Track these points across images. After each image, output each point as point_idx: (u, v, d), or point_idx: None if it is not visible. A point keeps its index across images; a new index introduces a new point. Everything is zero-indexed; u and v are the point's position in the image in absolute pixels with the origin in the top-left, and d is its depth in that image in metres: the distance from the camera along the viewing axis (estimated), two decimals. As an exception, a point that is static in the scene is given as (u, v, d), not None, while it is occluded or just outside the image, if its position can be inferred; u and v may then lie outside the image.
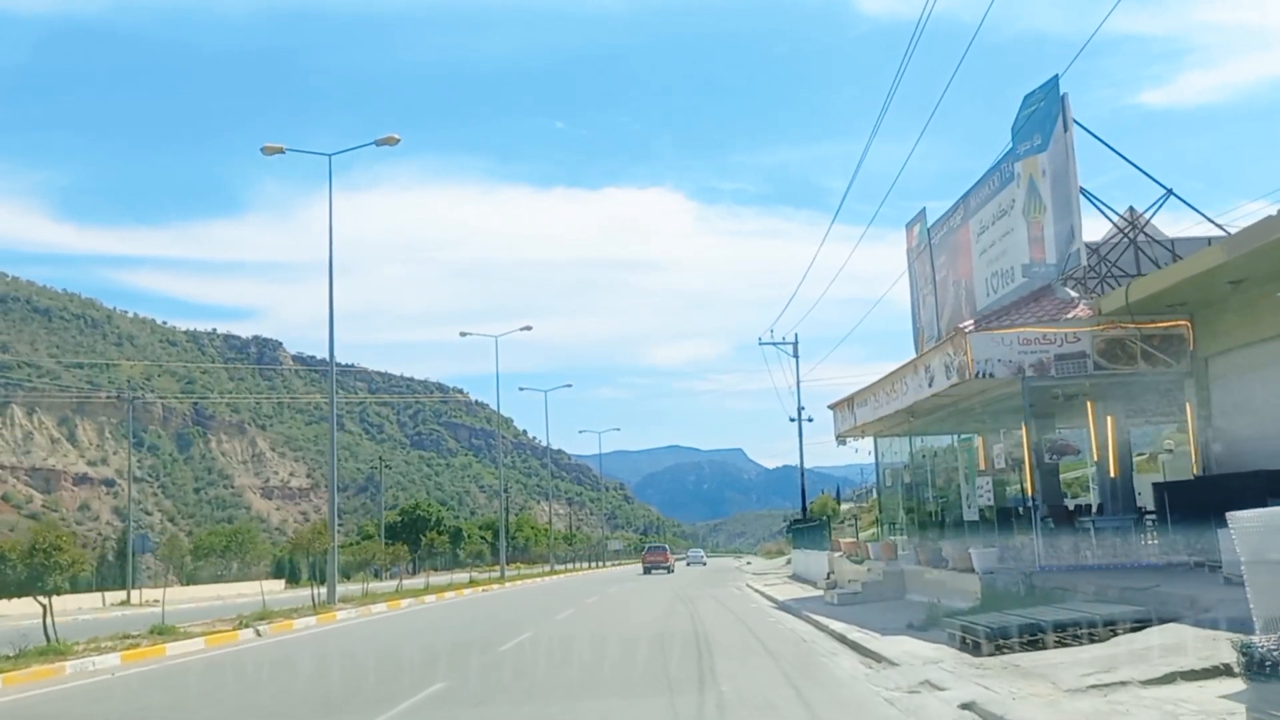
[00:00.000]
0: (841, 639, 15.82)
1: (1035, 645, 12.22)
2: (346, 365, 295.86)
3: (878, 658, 13.14)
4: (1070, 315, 17.98)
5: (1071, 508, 19.51)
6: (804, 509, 48.67)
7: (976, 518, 20.22)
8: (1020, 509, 20.38)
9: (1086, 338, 17.44)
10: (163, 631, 19.31)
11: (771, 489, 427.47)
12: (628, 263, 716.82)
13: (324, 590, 29.74)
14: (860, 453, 28.79)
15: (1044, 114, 19.64)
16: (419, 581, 45.01)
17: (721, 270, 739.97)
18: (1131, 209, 20.39)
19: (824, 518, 40.27)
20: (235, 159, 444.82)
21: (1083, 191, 19.00)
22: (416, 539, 77.31)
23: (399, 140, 30.32)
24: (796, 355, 46.78)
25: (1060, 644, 12.12)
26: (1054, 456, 17.98)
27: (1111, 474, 20.37)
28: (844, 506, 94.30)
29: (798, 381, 47.31)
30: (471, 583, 46.06)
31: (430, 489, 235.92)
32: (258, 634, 20.49)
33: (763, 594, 30.56)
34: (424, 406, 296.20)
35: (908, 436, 25.70)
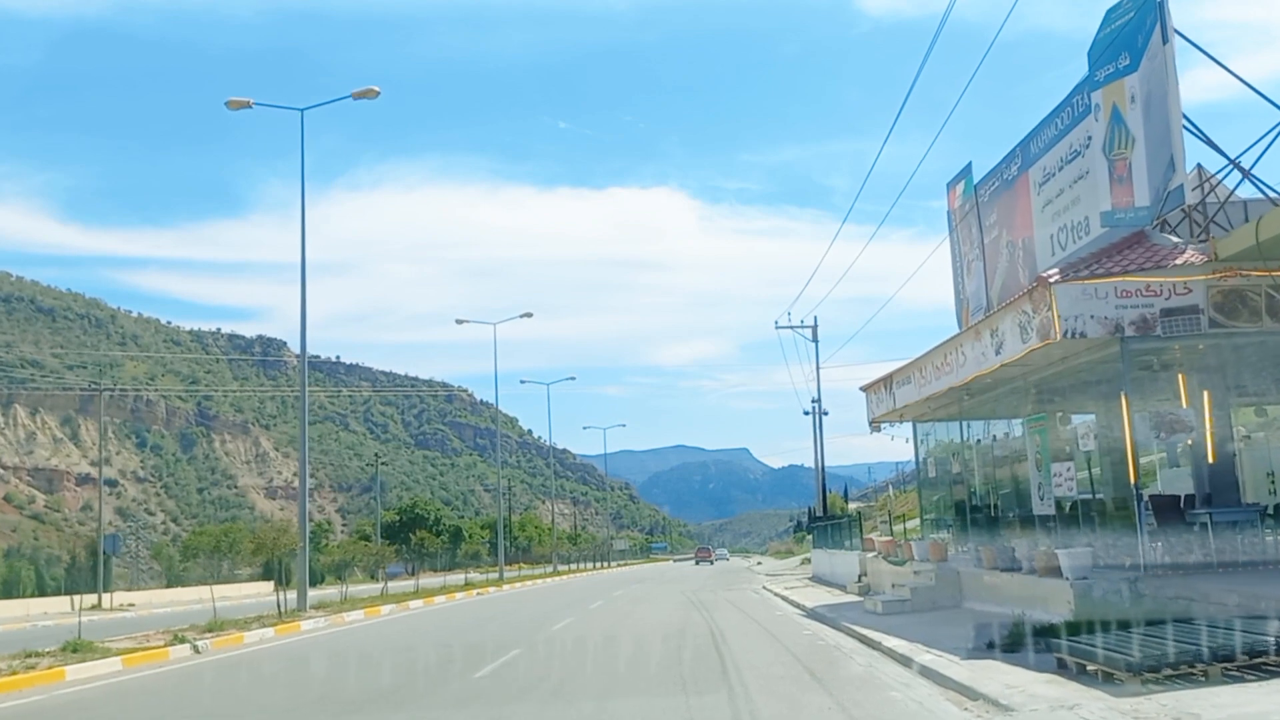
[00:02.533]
0: (906, 662, 12.57)
1: (1191, 679, 9.01)
2: (350, 364, 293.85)
3: (971, 693, 9.89)
4: (1178, 262, 14.71)
5: (1180, 498, 16.22)
6: (824, 505, 45.40)
7: (1051, 511, 16.96)
8: (1104, 501, 17.16)
9: (1200, 288, 14.18)
10: (77, 649, 16.09)
11: (777, 489, 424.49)
12: (633, 262, 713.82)
13: (298, 595, 26.58)
14: (896, 440, 25.51)
15: (1134, 27, 16.34)
16: (414, 584, 41.73)
17: (726, 269, 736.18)
18: (1200, 167, 17.20)
19: (855, 514, 37.01)
20: (241, 159, 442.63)
21: (1186, 121, 15.72)
22: (411, 539, 74.26)
23: (378, 93, 27.12)
24: (816, 340, 43.53)
25: (1229, 676, 8.92)
26: (1162, 436, 14.75)
27: (1210, 459, 17.07)
28: (851, 506, 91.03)
29: (817, 367, 44.08)
30: (467, 585, 42.85)
31: (434, 489, 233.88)
32: (195, 650, 17.26)
33: (785, 599, 27.31)
34: (428, 406, 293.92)
35: (959, 420, 22.38)
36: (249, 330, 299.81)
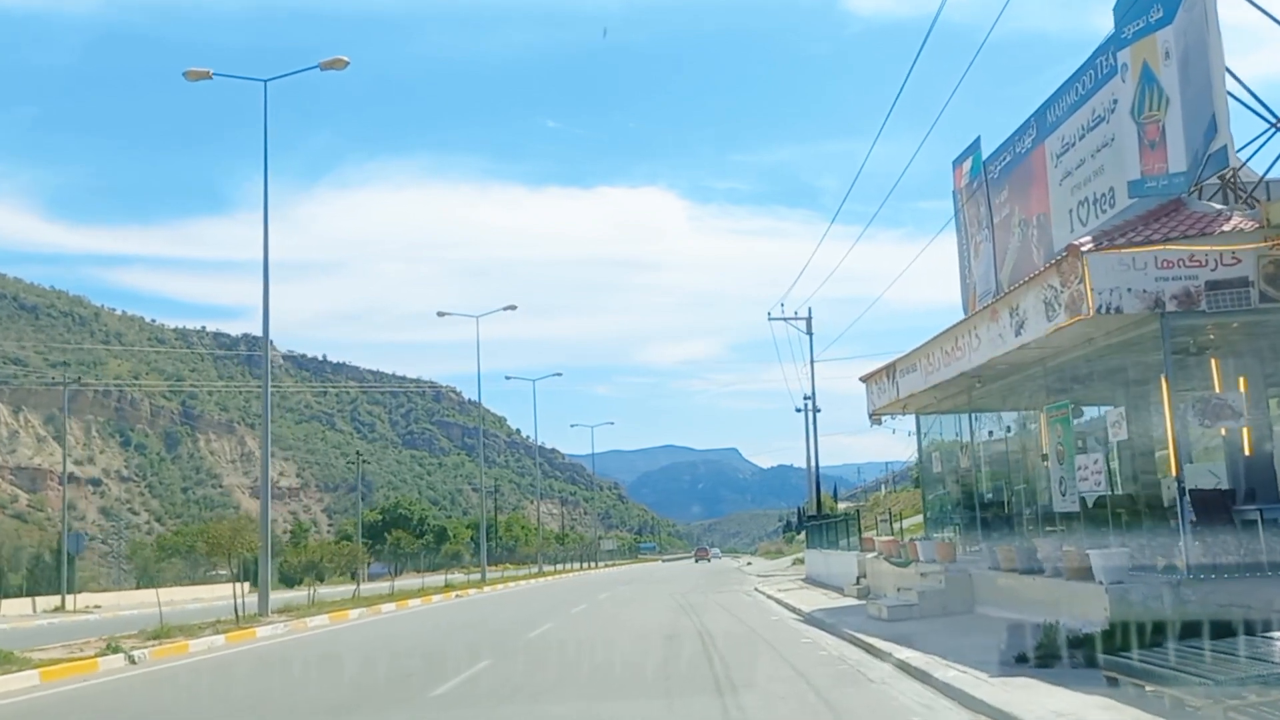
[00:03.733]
0: (924, 678, 11.03)
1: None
2: (338, 363, 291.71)
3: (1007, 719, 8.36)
4: (1225, 229, 13.19)
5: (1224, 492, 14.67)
6: (818, 503, 43.90)
7: (1074, 508, 15.43)
8: (1133, 496, 15.66)
9: (1250, 259, 12.63)
10: (-7, 660, 14.43)
11: (766, 489, 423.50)
12: (623, 262, 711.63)
13: (259, 598, 24.94)
14: (899, 433, 23.97)
15: (1169, -25, 14.85)
16: (390, 586, 40.05)
17: (716, 269, 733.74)
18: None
19: (854, 512, 35.50)
20: (228, 158, 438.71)
21: (1230, 77, 14.22)
22: (387, 539, 72.63)
23: (346, 63, 25.45)
24: (810, 332, 41.95)
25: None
26: (1208, 423, 13.25)
27: (1246, 451, 15.54)
28: (841, 506, 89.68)
29: (811, 360, 42.54)
30: (446, 587, 41.19)
31: (422, 489, 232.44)
32: (130, 661, 15.60)
33: (779, 601, 25.79)
34: (416, 405, 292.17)
35: (968, 413, 20.83)
36: (234, 329, 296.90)
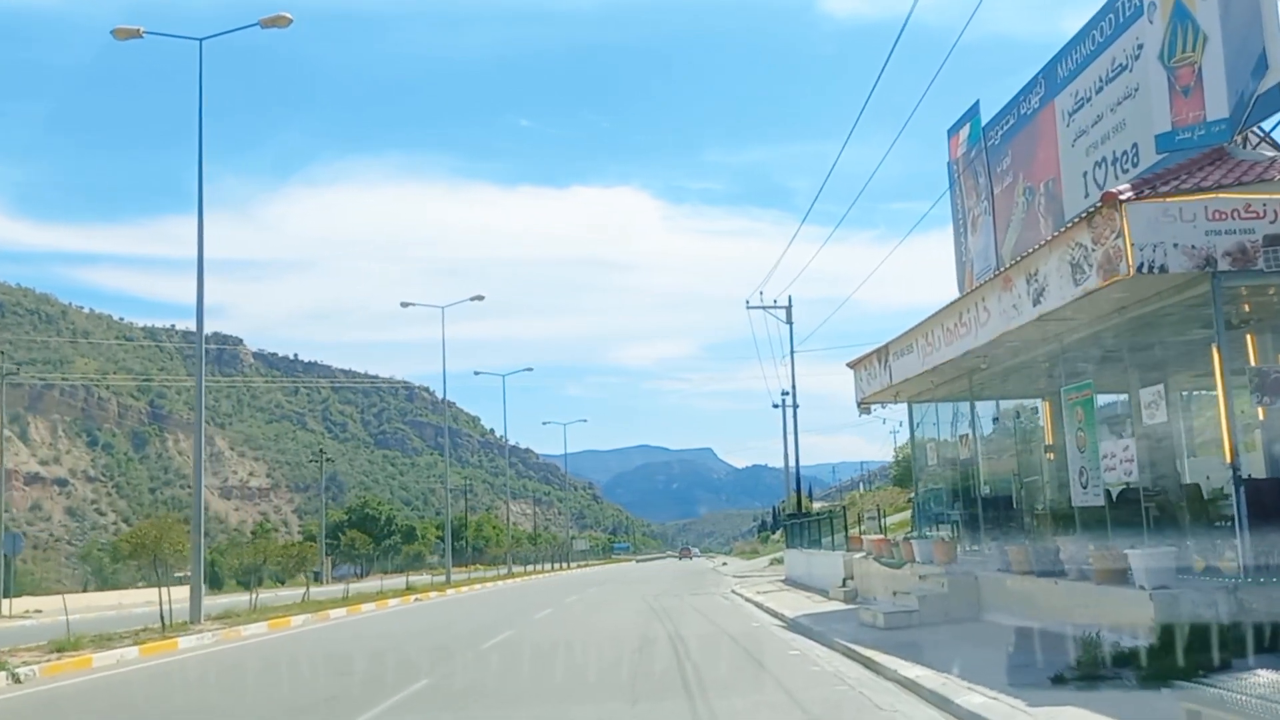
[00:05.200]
0: (943, 704, 9.15)
1: None
2: (309, 362, 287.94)
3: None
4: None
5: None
6: (799, 500, 42.05)
7: (1098, 501, 13.57)
8: (1165, 488, 13.84)
9: (1314, 208, 10.83)
10: None
11: (740, 489, 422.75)
12: (596, 261, 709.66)
13: (191, 604, 22.83)
14: (889, 424, 22.10)
15: (1206, -105, 13.07)
16: (344, 589, 37.87)
17: (690, 269, 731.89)
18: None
19: (840, 509, 33.69)
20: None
21: None
22: (341, 539, 70.49)
23: (289, 20, 23.38)
24: (790, 321, 40.07)
25: None
26: (1268, 400, 11.42)
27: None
28: (815, 505, 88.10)
29: (791, 350, 40.64)
30: (407, 590, 39.02)
31: (394, 489, 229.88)
32: (15, 680, 13.49)
33: (760, 605, 23.91)
34: (389, 405, 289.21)
35: (969, 400, 18.95)
36: (204, 327, 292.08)
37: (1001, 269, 14.04)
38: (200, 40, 23.82)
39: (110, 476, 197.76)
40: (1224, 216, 10.81)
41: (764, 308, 39.67)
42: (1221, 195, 11.00)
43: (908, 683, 10.43)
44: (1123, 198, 10.99)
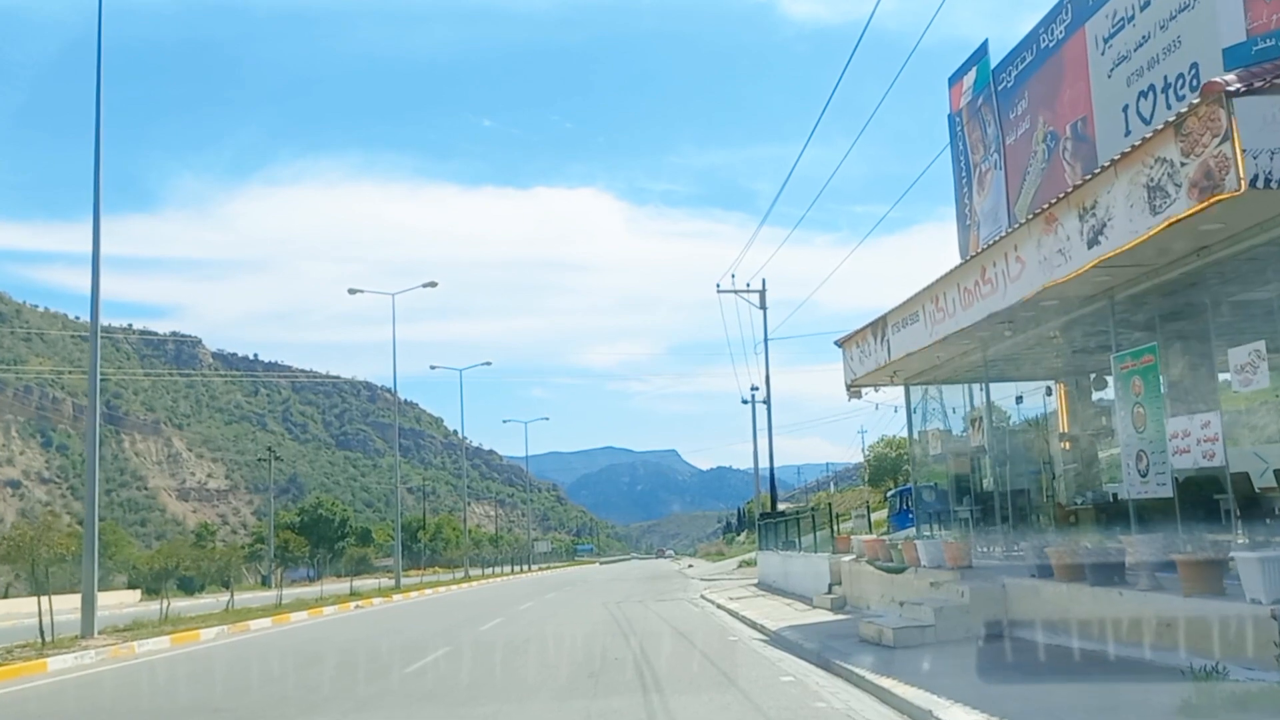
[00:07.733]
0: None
1: None
2: (269, 363, 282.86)
3: None
4: None
5: None
6: (773, 499, 39.44)
7: (1165, 493, 10.97)
8: (1247, 474, 11.26)
9: None
10: None
11: (705, 490, 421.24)
12: (559, 263, 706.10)
13: (83, 615, 19.82)
14: (882, 409, 19.48)
15: None
16: (276, 596, 34.71)
17: (653, 271, 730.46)
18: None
19: (825, 505, 31.11)
20: (154, 154, 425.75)
21: None
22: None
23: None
24: (764, 306, 37.42)
25: None
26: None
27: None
28: (781, 507, 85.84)
29: (765, 336, 37.97)
30: (350, 596, 35.99)
31: (356, 490, 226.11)
32: None
33: (734, 614, 21.22)
34: (350, 406, 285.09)
35: (982, 382, 16.32)
36: (162, 327, 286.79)
37: (1042, 208, 11.41)
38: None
39: (65, 478, 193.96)
40: (1361, 115, 8.22)
41: (736, 291, 37.00)
42: (1358, 87, 8.41)
43: (953, 731, 7.76)
44: (1230, 88, 8.37)
